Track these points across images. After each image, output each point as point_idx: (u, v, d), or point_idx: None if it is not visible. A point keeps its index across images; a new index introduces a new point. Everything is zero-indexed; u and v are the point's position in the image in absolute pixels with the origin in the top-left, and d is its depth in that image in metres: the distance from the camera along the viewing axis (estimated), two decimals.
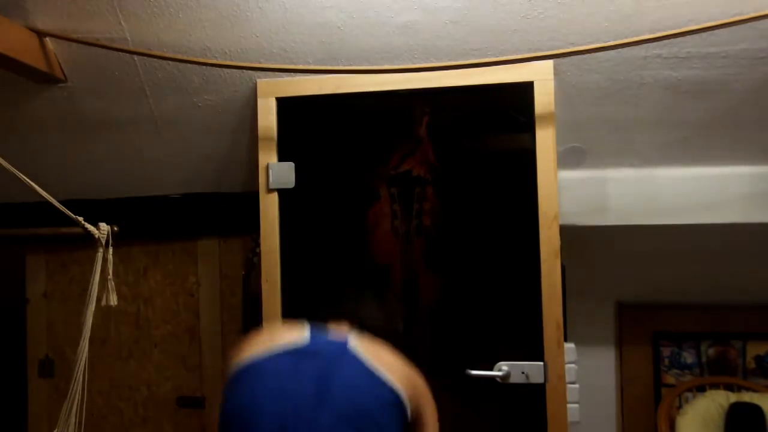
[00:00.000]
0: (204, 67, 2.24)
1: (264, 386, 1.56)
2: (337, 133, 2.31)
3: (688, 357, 2.88)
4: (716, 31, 2.02)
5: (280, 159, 2.29)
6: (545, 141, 2.16)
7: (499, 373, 2.12)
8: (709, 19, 1.98)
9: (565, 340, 2.15)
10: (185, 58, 2.19)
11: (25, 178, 1.95)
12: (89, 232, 2.17)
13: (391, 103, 2.25)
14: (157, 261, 2.78)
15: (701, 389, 2.76)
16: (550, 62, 2.15)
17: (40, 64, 2.17)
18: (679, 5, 2.00)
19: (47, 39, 2.19)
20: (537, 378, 2.11)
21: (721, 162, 2.44)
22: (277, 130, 2.29)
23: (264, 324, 2.24)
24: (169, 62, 2.23)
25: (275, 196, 2.28)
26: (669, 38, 2.01)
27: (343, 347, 1.63)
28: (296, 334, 1.66)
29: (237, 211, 2.63)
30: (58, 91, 2.35)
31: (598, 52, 2.09)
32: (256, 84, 2.30)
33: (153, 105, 2.39)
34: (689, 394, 2.78)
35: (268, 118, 2.29)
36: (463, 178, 2.24)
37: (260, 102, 2.29)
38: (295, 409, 1.51)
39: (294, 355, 1.61)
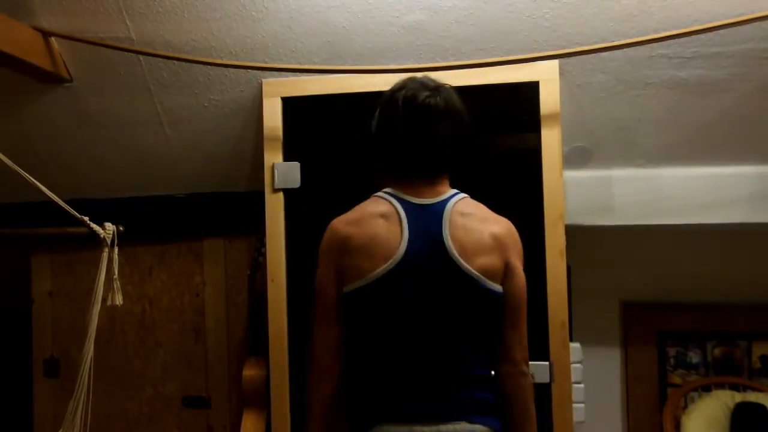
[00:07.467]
0: (209, 66, 2.25)
1: None
2: (342, 132, 2.31)
3: (694, 357, 2.87)
4: (721, 31, 2.03)
5: (286, 159, 2.29)
6: (551, 141, 2.15)
7: None
8: (714, 19, 1.98)
9: (571, 339, 2.15)
10: (191, 57, 2.19)
11: (31, 177, 1.95)
12: (94, 231, 2.17)
13: None
14: (163, 261, 2.78)
15: (707, 389, 2.75)
16: (555, 62, 2.15)
17: (45, 64, 2.18)
18: (684, 5, 2.00)
19: (53, 39, 2.19)
20: (542, 378, 2.10)
21: (726, 162, 2.43)
22: (282, 129, 2.29)
23: (270, 324, 2.25)
24: (175, 62, 2.24)
25: (281, 195, 2.28)
26: (674, 38, 2.01)
27: None
28: None
29: (242, 210, 2.62)
30: (63, 90, 2.35)
31: (604, 52, 2.09)
32: (261, 84, 2.30)
33: (158, 105, 2.39)
34: (695, 394, 2.78)
35: (273, 118, 2.29)
36: (468, 178, 2.23)
37: (266, 102, 2.29)
38: None
39: None
